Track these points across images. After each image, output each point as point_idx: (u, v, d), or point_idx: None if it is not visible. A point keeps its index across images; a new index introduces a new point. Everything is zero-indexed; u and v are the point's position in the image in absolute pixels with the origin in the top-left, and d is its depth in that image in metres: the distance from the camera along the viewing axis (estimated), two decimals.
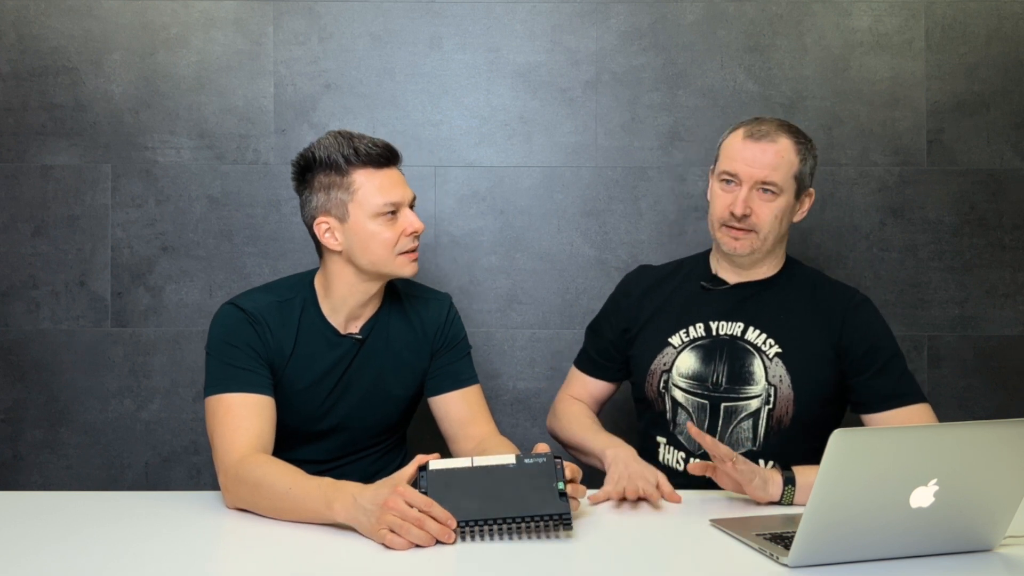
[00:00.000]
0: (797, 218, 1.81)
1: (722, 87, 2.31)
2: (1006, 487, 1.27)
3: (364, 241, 1.67)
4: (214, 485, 2.28)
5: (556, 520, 1.35)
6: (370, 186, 1.65)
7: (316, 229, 1.70)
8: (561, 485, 1.37)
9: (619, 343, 1.90)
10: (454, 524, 1.34)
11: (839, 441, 1.16)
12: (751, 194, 1.73)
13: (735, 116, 2.28)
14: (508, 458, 1.41)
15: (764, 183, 1.73)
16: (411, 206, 1.71)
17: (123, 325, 2.32)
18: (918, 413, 1.72)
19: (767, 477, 1.56)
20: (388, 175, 1.68)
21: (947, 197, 2.31)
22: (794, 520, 1.36)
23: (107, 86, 2.31)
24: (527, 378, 2.34)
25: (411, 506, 1.33)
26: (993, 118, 2.31)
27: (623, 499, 1.56)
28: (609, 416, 2.04)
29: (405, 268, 1.70)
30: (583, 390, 1.95)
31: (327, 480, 1.46)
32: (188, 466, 2.33)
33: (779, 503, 1.56)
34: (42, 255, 2.32)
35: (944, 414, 2.31)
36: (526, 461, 1.39)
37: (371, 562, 1.31)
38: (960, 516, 1.27)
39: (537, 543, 1.36)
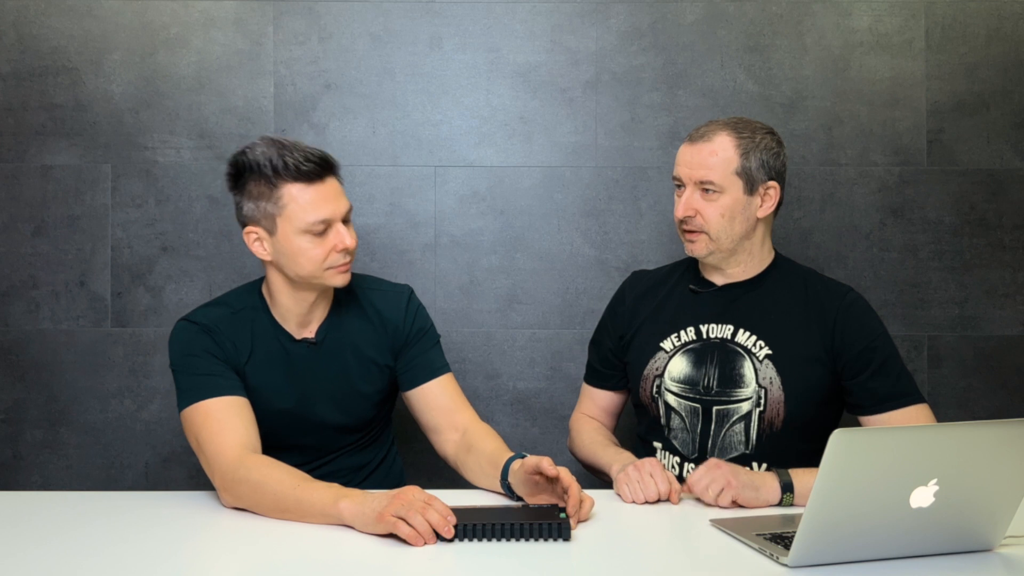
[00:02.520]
0: (762, 213, 1.77)
1: (722, 87, 2.31)
2: (1006, 487, 1.27)
3: (291, 256, 1.64)
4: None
5: (555, 528, 1.37)
6: (300, 202, 1.60)
7: (245, 238, 1.67)
8: (563, 515, 1.40)
9: (617, 349, 1.90)
10: (454, 521, 1.36)
11: (839, 441, 1.16)
12: (694, 196, 1.75)
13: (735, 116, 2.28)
14: (515, 504, 1.54)
15: (702, 183, 1.74)
16: (347, 219, 1.67)
17: (123, 325, 2.32)
18: (916, 414, 1.71)
19: (759, 484, 1.56)
20: (320, 190, 1.62)
21: (947, 197, 2.32)
22: (794, 520, 1.37)
23: (107, 86, 2.31)
24: (527, 378, 2.34)
25: (418, 497, 1.38)
26: (993, 118, 2.31)
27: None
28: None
29: (335, 279, 1.67)
30: (593, 405, 1.96)
31: (335, 484, 1.48)
32: (188, 466, 2.33)
33: (778, 506, 1.56)
34: (42, 255, 2.32)
35: (944, 414, 2.31)
36: (531, 505, 1.48)
37: (370, 562, 1.31)
38: (960, 516, 1.27)
39: (536, 544, 1.36)
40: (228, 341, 1.68)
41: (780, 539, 1.33)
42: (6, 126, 2.31)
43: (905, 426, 1.64)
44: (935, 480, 1.22)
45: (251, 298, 1.75)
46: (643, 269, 2.00)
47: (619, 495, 1.61)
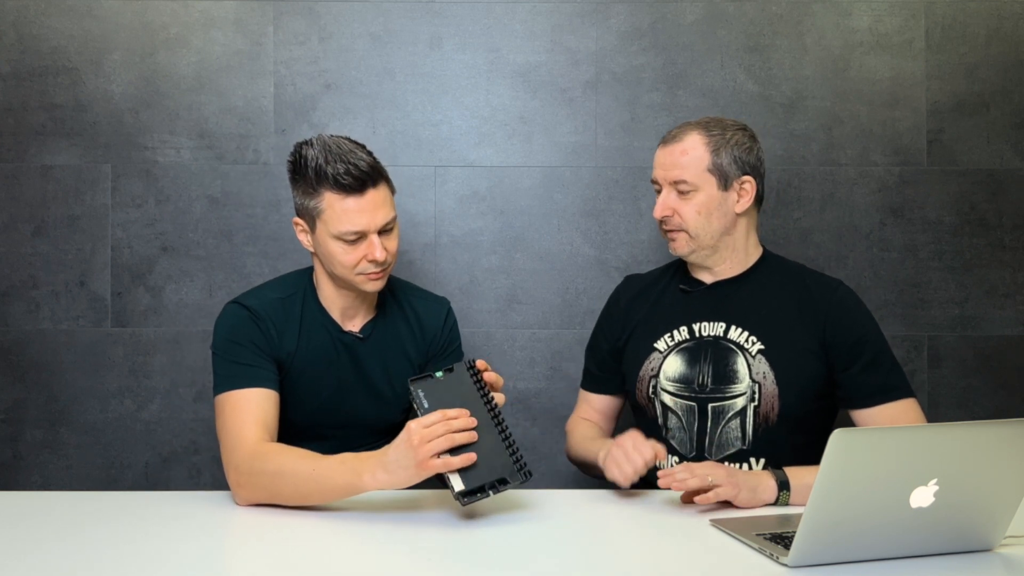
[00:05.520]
0: (739, 208, 1.78)
1: (722, 87, 2.31)
2: (1006, 487, 1.27)
3: (325, 255, 1.69)
4: (214, 485, 2.29)
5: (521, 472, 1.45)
6: (335, 210, 1.63)
7: (294, 226, 1.74)
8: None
9: (613, 352, 1.91)
10: (468, 414, 1.42)
11: (839, 441, 1.16)
12: (670, 196, 1.77)
13: (735, 116, 2.28)
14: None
15: (676, 182, 1.76)
16: (387, 228, 1.68)
17: (123, 325, 2.32)
18: (905, 409, 1.72)
19: (755, 484, 1.55)
20: (357, 202, 1.63)
21: (947, 197, 2.32)
22: (794, 520, 1.37)
23: (107, 86, 2.31)
24: (527, 378, 2.34)
25: (430, 427, 1.41)
26: (993, 118, 2.31)
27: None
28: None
29: (366, 285, 1.70)
30: (591, 409, 1.96)
31: (347, 454, 1.50)
32: (188, 466, 2.33)
33: (774, 505, 1.56)
34: (42, 255, 2.32)
35: (944, 414, 2.31)
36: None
37: (372, 559, 1.31)
38: (960, 516, 1.27)
39: (535, 542, 1.36)
40: (274, 328, 1.71)
41: (780, 539, 1.33)
42: (6, 126, 2.31)
43: (905, 426, 1.64)
44: (935, 480, 1.22)
45: (302, 284, 1.79)
46: (635, 273, 2.02)
47: (613, 480, 1.60)
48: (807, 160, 2.31)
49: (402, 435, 1.43)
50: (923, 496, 1.23)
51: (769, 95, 2.31)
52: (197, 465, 2.33)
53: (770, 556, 1.28)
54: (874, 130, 2.31)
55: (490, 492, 1.42)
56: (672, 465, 1.78)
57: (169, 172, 2.32)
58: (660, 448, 1.59)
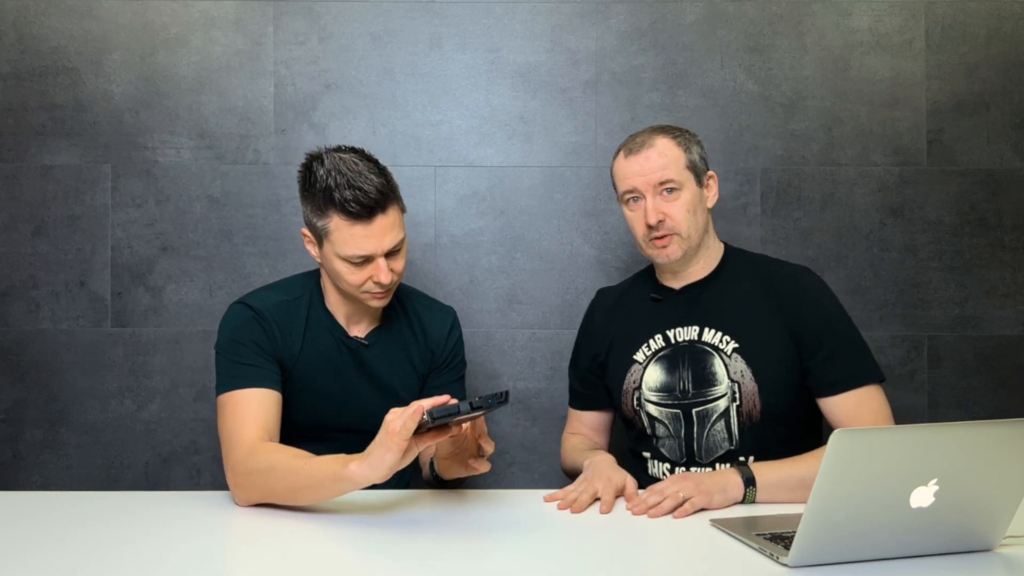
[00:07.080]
0: (710, 203, 1.82)
1: (722, 87, 2.31)
2: (1006, 487, 1.27)
3: (332, 272, 1.69)
4: (214, 485, 2.29)
5: (501, 396, 1.34)
6: (342, 234, 1.63)
7: (303, 236, 1.73)
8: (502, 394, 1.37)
9: (594, 368, 1.92)
10: (427, 406, 1.35)
11: (839, 441, 1.16)
12: (656, 200, 1.76)
13: (735, 116, 2.28)
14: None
15: (662, 183, 1.76)
16: (396, 250, 1.66)
17: (123, 325, 2.32)
18: (868, 396, 1.70)
19: (724, 484, 1.56)
20: (366, 228, 1.62)
21: (947, 197, 2.32)
22: (794, 520, 1.37)
23: (107, 86, 2.31)
24: (527, 378, 2.34)
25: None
26: (993, 118, 2.31)
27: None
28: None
29: (371, 302, 1.71)
30: (582, 425, 1.97)
31: (340, 454, 1.48)
32: (188, 466, 2.33)
33: (743, 503, 1.56)
34: (42, 255, 2.32)
35: (944, 414, 2.31)
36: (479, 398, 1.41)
37: (370, 559, 1.31)
38: (960, 516, 1.27)
39: (533, 542, 1.36)
40: (278, 329, 1.72)
41: (780, 539, 1.33)
42: (6, 126, 2.31)
43: (905, 426, 1.63)
44: (935, 480, 1.22)
45: (308, 287, 1.80)
46: (607, 286, 2.03)
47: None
48: (807, 160, 2.31)
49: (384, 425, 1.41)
50: (923, 496, 1.23)
51: (769, 95, 2.31)
52: (197, 465, 2.33)
53: (770, 556, 1.28)
54: (874, 130, 2.31)
55: (461, 410, 1.33)
56: (664, 474, 1.79)
57: (169, 172, 2.32)
58: (631, 481, 1.61)
